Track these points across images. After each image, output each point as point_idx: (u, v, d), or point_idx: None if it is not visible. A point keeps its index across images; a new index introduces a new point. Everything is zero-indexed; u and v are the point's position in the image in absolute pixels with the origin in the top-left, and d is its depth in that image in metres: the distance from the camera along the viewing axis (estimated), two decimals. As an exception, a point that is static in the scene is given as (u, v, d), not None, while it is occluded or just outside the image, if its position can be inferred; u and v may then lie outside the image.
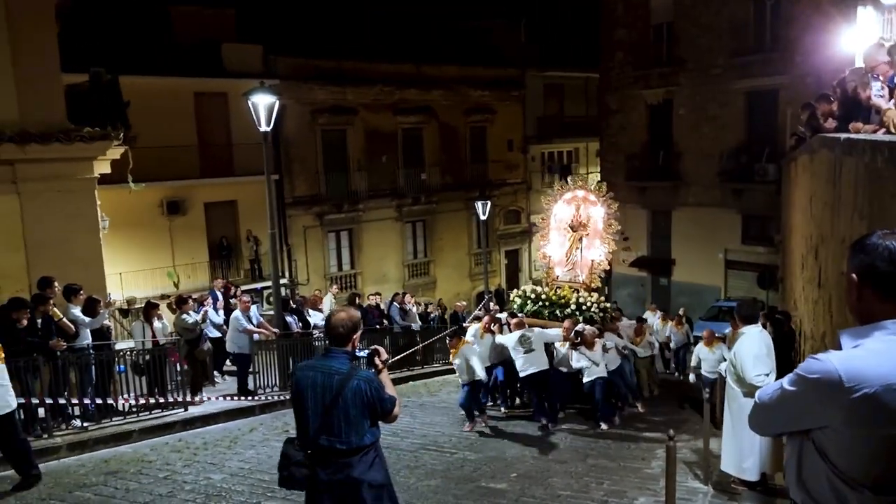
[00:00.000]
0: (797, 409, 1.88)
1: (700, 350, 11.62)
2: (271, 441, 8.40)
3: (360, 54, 25.21)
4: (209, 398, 10.67)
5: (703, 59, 23.51)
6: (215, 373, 12.68)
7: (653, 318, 17.81)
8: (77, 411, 8.56)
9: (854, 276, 1.87)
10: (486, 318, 11.55)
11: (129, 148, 11.24)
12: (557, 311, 12.09)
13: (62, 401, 8.26)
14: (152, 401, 9.53)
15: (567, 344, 10.47)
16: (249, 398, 10.91)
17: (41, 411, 8.07)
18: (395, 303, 16.68)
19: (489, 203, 24.46)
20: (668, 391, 14.27)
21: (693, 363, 11.94)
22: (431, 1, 28.25)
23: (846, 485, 1.80)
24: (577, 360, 10.41)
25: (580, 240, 13.05)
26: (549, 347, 10.43)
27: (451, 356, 10.47)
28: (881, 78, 5.66)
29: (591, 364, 10.35)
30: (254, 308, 11.99)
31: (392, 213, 26.82)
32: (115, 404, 9.06)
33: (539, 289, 12.79)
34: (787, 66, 20.85)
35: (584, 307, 11.96)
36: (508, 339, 10.32)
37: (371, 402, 3.63)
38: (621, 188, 27.01)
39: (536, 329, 10.45)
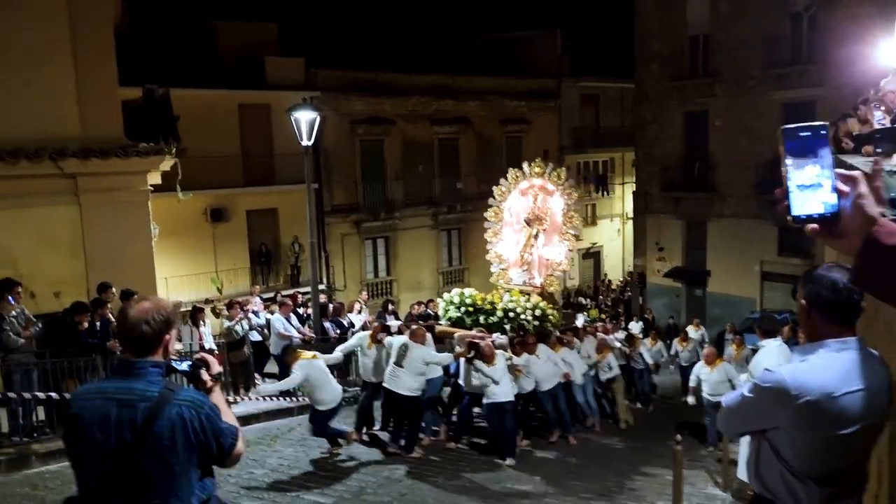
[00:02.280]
0: (754, 413, 2.24)
1: (700, 370, 9.96)
2: (309, 440, 8.86)
3: (398, 66, 25.78)
4: (249, 398, 11.21)
5: (739, 71, 23.54)
6: (256, 375, 13.24)
7: (695, 334, 16.50)
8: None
9: (804, 302, 2.22)
10: (375, 326, 9.81)
11: (178, 160, 11.88)
12: (481, 319, 10.47)
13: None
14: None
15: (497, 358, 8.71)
16: (289, 399, 11.42)
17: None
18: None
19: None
20: (667, 416, 12.81)
21: (692, 383, 10.19)
22: (467, 13, 28.75)
23: (795, 477, 2.15)
24: (475, 378, 8.62)
25: (536, 236, 11.43)
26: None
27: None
28: (883, 107, 5.87)
29: (491, 383, 8.43)
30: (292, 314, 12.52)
31: (427, 221, 27.29)
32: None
33: (470, 292, 11.18)
34: (823, 77, 20.80)
35: (510, 315, 10.30)
36: (393, 348, 8.70)
37: (202, 439, 2.41)
38: (656, 199, 27.17)
39: (412, 344, 8.53)
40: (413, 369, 8.36)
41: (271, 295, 17.09)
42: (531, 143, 30.37)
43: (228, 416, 2.64)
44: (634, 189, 29.51)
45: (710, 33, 24.42)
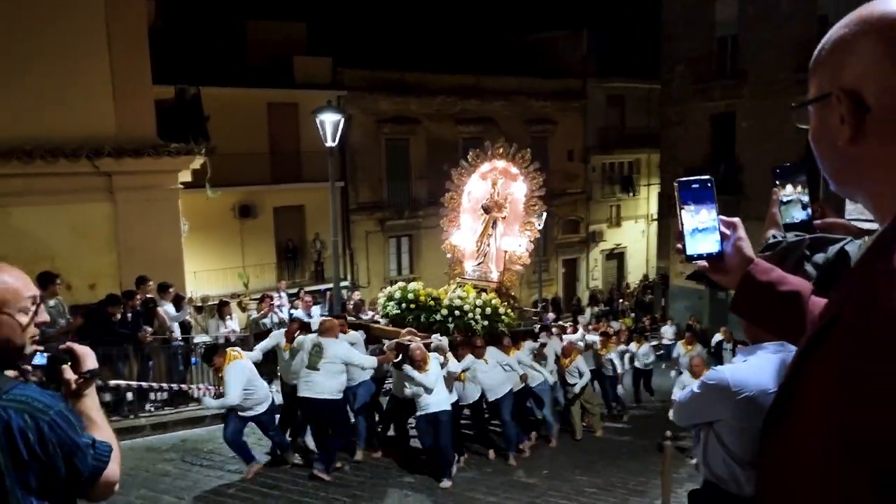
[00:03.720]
0: (701, 406, 2.53)
1: (685, 379, 8.37)
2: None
3: (424, 66, 26.11)
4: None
5: (766, 73, 23.46)
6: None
7: (728, 344, 15.55)
8: (159, 396, 9.60)
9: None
10: (291, 324, 8.73)
11: (208, 159, 12.34)
12: (422, 317, 9.19)
13: (146, 385, 9.32)
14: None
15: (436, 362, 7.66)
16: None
17: (129, 395, 9.12)
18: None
19: (545, 213, 24.92)
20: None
21: (675, 395, 8.24)
22: (493, 14, 28.97)
23: (736, 463, 2.43)
24: (406, 387, 7.52)
25: (493, 224, 10.24)
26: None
27: None
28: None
29: (423, 392, 7.30)
30: (316, 308, 12.92)
31: (451, 220, 27.58)
32: (190, 392, 10.09)
33: (413, 286, 9.82)
34: (850, 81, 20.66)
35: (456, 313, 8.97)
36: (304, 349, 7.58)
37: (41, 456, 1.79)
38: (681, 200, 27.12)
39: (325, 341, 7.31)
40: (329, 370, 7.10)
41: (295, 290, 17.50)
42: (556, 144, 30.53)
43: (99, 429, 1.95)
44: (660, 190, 29.51)
45: (738, 34, 24.35)
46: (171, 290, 10.08)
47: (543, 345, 9.76)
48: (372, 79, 24.55)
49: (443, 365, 7.65)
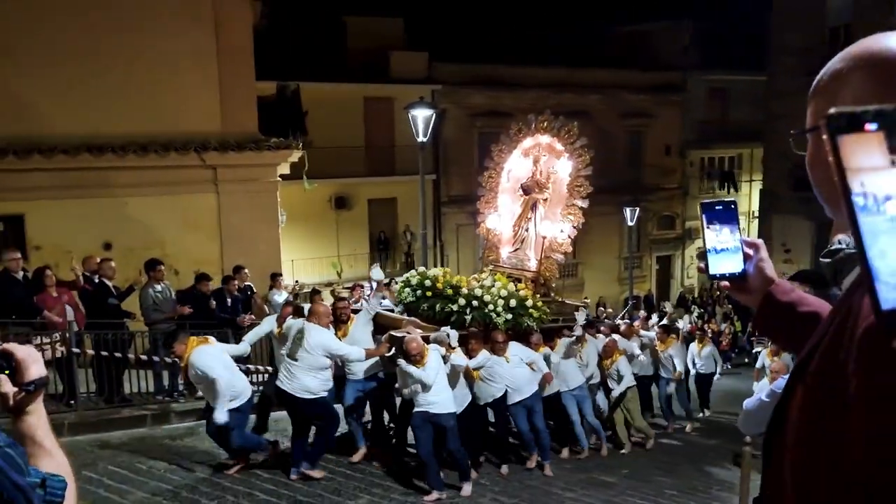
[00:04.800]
0: (769, 415, 2.53)
1: (763, 387, 7.76)
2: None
3: (519, 60, 26.05)
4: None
5: (882, 65, 22.07)
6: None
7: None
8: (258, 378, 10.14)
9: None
10: (285, 307, 7.85)
11: (305, 152, 12.89)
12: (438, 307, 8.12)
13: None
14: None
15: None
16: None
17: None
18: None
19: (637, 209, 24.47)
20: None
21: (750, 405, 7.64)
22: (591, 6, 28.53)
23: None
24: (404, 384, 6.75)
25: (533, 207, 9.27)
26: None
27: None
28: None
29: (420, 389, 6.53)
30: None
31: (542, 214, 27.44)
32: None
33: (434, 272, 8.84)
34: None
35: (475, 303, 7.92)
36: (289, 334, 6.90)
37: None
38: (786, 198, 25.95)
39: (309, 327, 6.59)
40: (308, 362, 6.41)
41: (388, 281, 17.95)
42: (653, 138, 29.80)
43: (49, 456, 1.53)
44: (762, 187, 28.32)
45: (851, 23, 23.00)
46: (280, 278, 10.67)
47: (579, 339, 8.62)
48: (466, 73, 24.73)
49: (445, 359, 6.78)
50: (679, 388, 10.92)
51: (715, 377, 12.42)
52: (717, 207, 1.42)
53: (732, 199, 1.49)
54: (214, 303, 9.39)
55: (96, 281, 8.92)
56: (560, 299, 9.86)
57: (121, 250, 10.49)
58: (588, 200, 8.99)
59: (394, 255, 23.96)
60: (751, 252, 1.45)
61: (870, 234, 0.64)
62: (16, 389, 1.53)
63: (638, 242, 27.66)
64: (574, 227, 9.09)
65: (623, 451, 9.07)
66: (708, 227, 1.43)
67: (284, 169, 12.36)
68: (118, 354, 8.52)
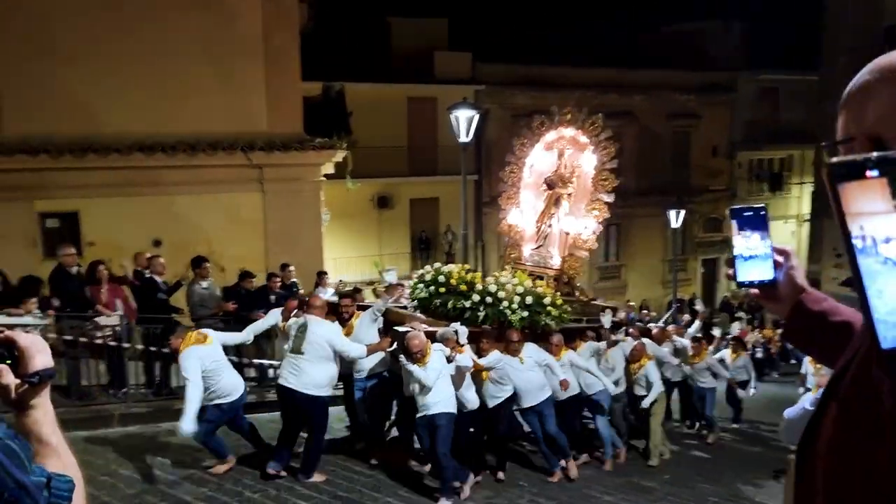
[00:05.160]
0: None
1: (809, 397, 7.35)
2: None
3: (563, 60, 25.90)
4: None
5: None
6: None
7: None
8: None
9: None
10: (290, 302, 7.65)
11: (349, 152, 13.05)
12: (451, 303, 7.74)
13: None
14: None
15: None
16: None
17: (271, 371, 9.84)
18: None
19: (682, 211, 24.08)
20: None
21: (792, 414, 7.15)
22: (637, 5, 28.20)
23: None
24: (407, 383, 6.47)
25: (556, 202, 8.96)
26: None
27: None
28: None
29: (418, 389, 6.27)
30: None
31: (585, 215, 27.24)
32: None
33: (449, 268, 8.30)
34: None
35: (489, 300, 7.52)
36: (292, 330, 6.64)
37: None
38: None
39: (311, 320, 6.40)
40: (315, 355, 6.23)
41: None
42: (699, 139, 29.31)
43: (56, 455, 1.41)
44: (813, 190, 27.63)
45: (910, 22, 22.27)
46: (326, 276, 10.84)
47: (611, 345, 8.15)
48: (510, 73, 24.68)
49: (449, 359, 6.42)
50: (709, 398, 10.28)
51: (750, 391, 11.42)
52: (746, 213, 1.41)
53: (763, 204, 1.47)
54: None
55: (146, 276, 9.18)
56: (585, 299, 9.45)
57: (170, 247, 10.78)
58: (613, 195, 8.71)
59: (435, 254, 24.03)
60: (781, 259, 1.43)
61: (868, 274, 0.67)
62: (18, 381, 1.38)
63: (683, 245, 27.23)
64: (599, 223, 8.80)
65: (650, 462, 8.46)
66: (738, 234, 1.42)
67: (328, 168, 12.53)
68: (166, 350, 8.74)
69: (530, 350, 7.20)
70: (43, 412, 1.41)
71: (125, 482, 5.94)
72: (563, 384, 7.37)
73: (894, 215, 0.68)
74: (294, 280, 10.44)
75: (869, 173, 0.69)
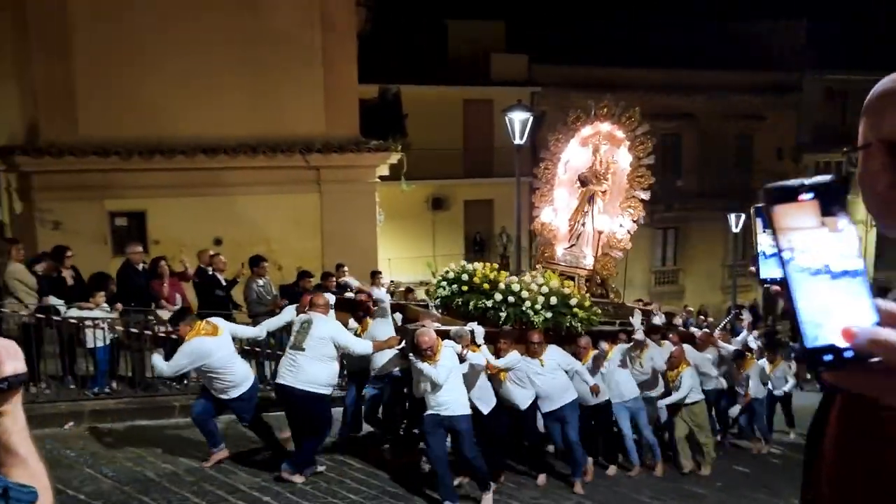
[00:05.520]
0: None
1: None
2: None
3: (620, 61, 25.60)
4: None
5: None
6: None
7: None
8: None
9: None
10: (304, 297, 7.10)
11: (404, 154, 13.24)
12: (472, 303, 7.47)
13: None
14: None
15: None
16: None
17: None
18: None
19: (743, 215, 23.50)
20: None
21: None
22: (700, 4, 27.65)
23: None
24: (417, 382, 6.14)
25: (590, 199, 8.64)
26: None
27: None
28: None
29: (429, 388, 5.95)
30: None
31: (643, 218, 26.88)
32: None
33: (475, 266, 7.98)
34: None
35: (509, 300, 7.23)
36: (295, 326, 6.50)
37: None
38: (909, 205, 24.22)
39: (315, 317, 6.22)
40: (316, 352, 6.03)
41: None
42: (763, 141, 28.56)
43: (22, 465, 1.33)
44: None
45: None
46: (380, 276, 11.04)
47: (637, 345, 7.70)
48: (566, 75, 24.52)
49: (462, 358, 6.16)
50: (758, 408, 9.96)
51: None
52: None
53: None
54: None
55: (209, 274, 9.54)
56: (619, 301, 9.02)
57: (230, 245, 11.15)
58: (649, 192, 8.32)
59: (489, 256, 24.07)
60: None
61: (795, 283, 0.74)
62: None
63: (744, 250, 26.53)
64: (634, 222, 8.35)
65: (684, 471, 8.03)
66: (762, 232, 1.45)
67: (383, 170, 12.75)
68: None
69: (553, 353, 6.94)
70: (12, 420, 1.33)
71: (184, 470, 6.20)
72: (594, 389, 7.11)
73: (821, 230, 0.75)
74: (346, 279, 10.66)
75: (802, 197, 0.76)
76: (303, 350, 6.01)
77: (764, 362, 10.65)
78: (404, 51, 21.29)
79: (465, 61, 22.92)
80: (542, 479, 7.02)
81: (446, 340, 6.15)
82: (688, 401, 7.92)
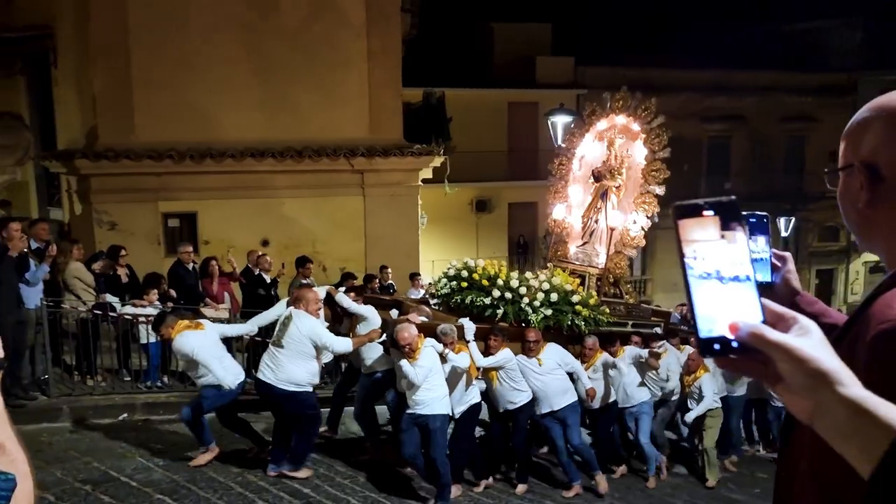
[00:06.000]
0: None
1: None
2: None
3: (669, 62, 25.34)
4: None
5: None
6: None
7: None
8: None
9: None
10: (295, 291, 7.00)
11: (447, 157, 13.41)
12: (469, 300, 7.17)
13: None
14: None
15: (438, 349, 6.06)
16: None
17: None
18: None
19: (793, 219, 23.04)
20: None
21: None
22: (752, 4, 27.17)
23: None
24: (399, 378, 6.05)
25: (603, 195, 8.34)
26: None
27: None
28: None
29: (407, 386, 5.87)
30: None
31: (689, 221, 26.55)
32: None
33: (478, 262, 7.77)
34: None
35: (506, 296, 6.99)
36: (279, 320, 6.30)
37: None
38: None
39: (296, 313, 6.00)
40: (294, 349, 5.88)
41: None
42: (816, 143, 27.85)
43: (1, 454, 1.26)
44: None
45: None
46: (418, 278, 11.25)
47: (654, 356, 7.30)
48: (612, 77, 24.31)
49: (443, 357, 5.91)
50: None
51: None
52: (751, 220, 1.55)
53: (765, 213, 1.61)
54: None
55: (255, 273, 9.88)
56: (633, 301, 8.74)
57: (276, 246, 11.50)
58: (664, 187, 7.93)
59: (533, 259, 24.08)
60: (779, 264, 1.56)
61: (694, 284, 0.89)
62: None
63: (796, 254, 25.93)
64: (648, 218, 7.91)
65: (708, 483, 7.61)
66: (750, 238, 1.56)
67: (427, 173, 12.94)
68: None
69: (551, 351, 6.62)
70: None
71: (229, 461, 6.44)
72: (590, 392, 6.84)
73: (719, 242, 0.89)
74: (391, 282, 10.89)
75: (705, 212, 0.89)
76: (282, 347, 5.92)
77: None
78: (450, 54, 21.48)
79: (511, 64, 22.98)
80: (521, 488, 6.72)
81: (428, 339, 5.93)
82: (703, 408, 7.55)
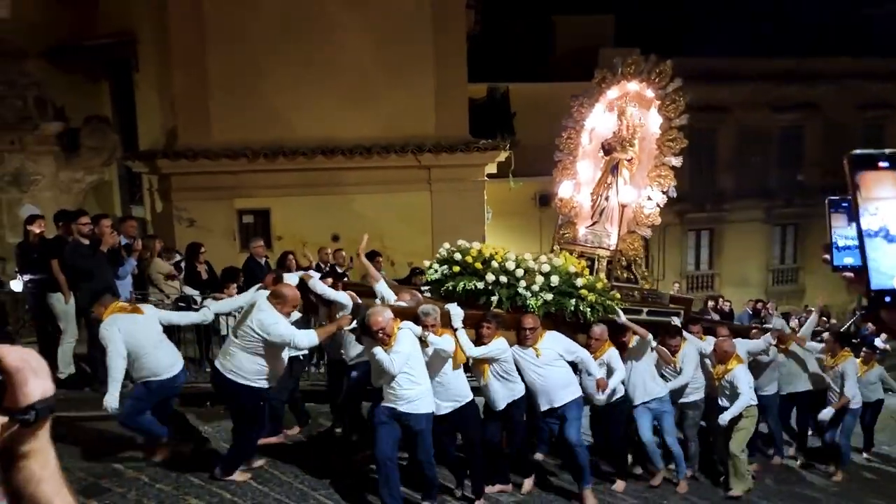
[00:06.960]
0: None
1: None
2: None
3: (738, 50, 24.74)
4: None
5: None
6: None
7: None
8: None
9: None
10: (269, 277, 6.72)
11: (512, 152, 13.50)
12: (461, 285, 6.32)
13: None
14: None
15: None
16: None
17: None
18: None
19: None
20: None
21: None
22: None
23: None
24: (374, 370, 5.28)
25: (613, 170, 7.46)
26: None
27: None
28: None
29: (381, 377, 5.16)
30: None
31: (759, 214, 25.85)
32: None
33: (472, 245, 6.75)
34: None
35: (502, 280, 6.20)
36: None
37: None
38: None
39: (261, 303, 5.37)
40: (243, 340, 5.26)
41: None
42: (894, 130, 26.75)
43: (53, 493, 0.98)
44: None
45: None
46: None
47: (673, 352, 6.57)
48: (678, 67, 23.77)
49: (424, 340, 5.18)
50: (849, 421, 8.02)
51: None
52: (843, 204, 1.59)
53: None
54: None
55: (330, 268, 10.20)
56: (648, 287, 7.85)
57: (346, 242, 11.77)
58: (681, 158, 7.16)
59: (596, 252, 23.92)
60: None
61: (868, 240, 0.95)
62: (6, 419, 0.93)
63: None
64: (663, 193, 7.11)
65: (731, 492, 6.69)
66: (835, 222, 1.61)
67: (492, 168, 13.06)
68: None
69: (552, 340, 5.83)
70: (41, 463, 0.98)
71: (298, 444, 6.67)
72: (600, 384, 5.99)
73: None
74: (383, 272, 10.99)
75: (881, 163, 0.93)
76: (236, 336, 5.35)
77: (858, 362, 8.44)
78: (512, 49, 21.47)
79: (574, 56, 22.80)
80: (527, 483, 6.10)
81: (405, 322, 5.20)
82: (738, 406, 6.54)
